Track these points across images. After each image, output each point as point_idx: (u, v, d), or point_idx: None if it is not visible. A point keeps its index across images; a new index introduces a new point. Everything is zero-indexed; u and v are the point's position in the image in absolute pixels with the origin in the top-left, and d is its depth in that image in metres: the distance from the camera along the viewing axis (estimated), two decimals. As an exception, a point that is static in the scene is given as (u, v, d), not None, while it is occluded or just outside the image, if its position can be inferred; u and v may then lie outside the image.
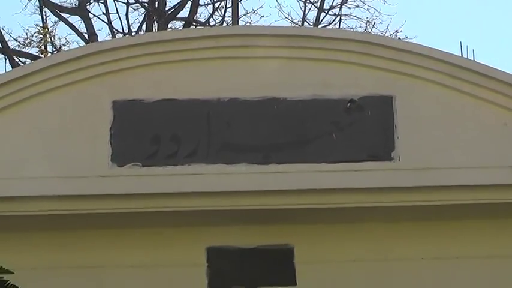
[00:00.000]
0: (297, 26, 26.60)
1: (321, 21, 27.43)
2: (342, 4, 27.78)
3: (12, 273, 8.57)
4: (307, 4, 27.83)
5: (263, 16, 28.39)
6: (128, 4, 26.96)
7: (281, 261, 10.55)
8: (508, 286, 10.58)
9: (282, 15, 28.52)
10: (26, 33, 27.38)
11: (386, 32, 27.41)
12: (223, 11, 27.21)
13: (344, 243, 10.59)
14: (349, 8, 28.02)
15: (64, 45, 26.69)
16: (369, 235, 10.59)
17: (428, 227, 10.57)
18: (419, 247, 10.59)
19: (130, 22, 26.82)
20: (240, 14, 25.35)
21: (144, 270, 10.47)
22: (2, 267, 8.48)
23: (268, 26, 19.06)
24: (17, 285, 8.59)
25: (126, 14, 26.89)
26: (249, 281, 10.50)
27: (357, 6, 27.89)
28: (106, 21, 26.65)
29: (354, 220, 10.47)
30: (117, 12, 27.17)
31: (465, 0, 38.80)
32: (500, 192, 10.28)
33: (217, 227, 10.40)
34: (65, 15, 26.87)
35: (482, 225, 10.62)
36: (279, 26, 21.03)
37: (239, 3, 22.81)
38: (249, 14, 27.30)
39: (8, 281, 8.53)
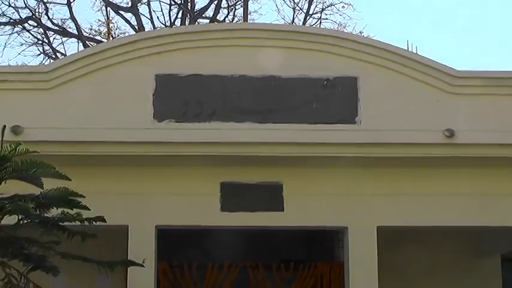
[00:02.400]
0: (288, 23, 26.49)
1: (307, 22, 27.37)
2: (322, 10, 27.78)
3: (84, 197, 8.72)
4: (297, 10, 27.83)
5: (262, 14, 28.41)
6: (170, 4, 26.89)
7: (273, 194, 10.67)
8: (433, 217, 10.80)
9: (277, 16, 28.45)
10: (91, 26, 27.56)
11: (353, 31, 27.30)
12: (234, 11, 27.31)
13: (318, 182, 10.69)
14: (326, 14, 28.01)
15: (121, 34, 26.58)
16: (336, 176, 10.67)
17: (380, 172, 10.66)
18: (372, 186, 10.70)
19: (167, 18, 26.86)
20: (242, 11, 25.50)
21: (174, 196, 10.58)
22: (76, 192, 8.65)
23: (269, 23, 18.89)
24: (87, 205, 8.78)
25: (169, 12, 26.84)
26: (250, 206, 10.60)
27: (333, 12, 27.92)
28: (149, 17, 26.68)
29: (326, 165, 10.55)
30: (162, 10, 27.08)
31: (413, 10, 38.64)
32: (433, 148, 10.43)
33: (229, 168, 10.52)
34: (122, 12, 26.85)
35: (419, 172, 10.71)
36: (277, 24, 21.12)
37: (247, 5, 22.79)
38: (253, 14, 27.20)
39: (80, 202, 8.71)
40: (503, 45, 39.24)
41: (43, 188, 8.44)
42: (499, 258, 14.12)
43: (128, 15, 26.56)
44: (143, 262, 9.57)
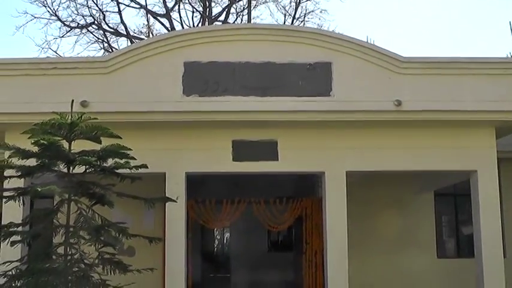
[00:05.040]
0: (280, 24, 26.30)
1: (294, 24, 27.08)
2: (305, 15, 27.56)
3: (131, 149, 8.56)
4: (287, 15, 27.55)
5: (262, 19, 28.14)
6: (192, 12, 26.73)
7: (270, 148, 10.54)
8: (385, 163, 10.63)
9: (271, 19, 28.04)
10: (138, 28, 27.44)
11: (327, 29, 27.04)
12: (242, 17, 27.12)
13: (302, 139, 10.55)
14: (309, 18, 27.69)
15: (157, 33, 26.37)
16: (316, 135, 10.54)
17: (348, 131, 10.53)
18: (342, 141, 10.56)
19: (191, 22, 26.63)
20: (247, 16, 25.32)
21: (198, 151, 10.46)
22: (126, 146, 8.49)
23: (266, 23, 18.75)
24: (134, 156, 8.58)
25: (192, 17, 26.77)
26: (253, 157, 10.48)
27: (314, 16, 27.65)
28: (179, 21, 26.48)
29: (308, 127, 10.44)
30: (186, 15, 27.12)
31: (375, 10, 38.20)
32: (385, 114, 10.28)
33: (238, 129, 10.40)
34: (158, 18, 26.73)
35: (375, 131, 10.56)
36: (272, 24, 20.94)
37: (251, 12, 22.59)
38: (255, 18, 26.99)
39: (129, 154, 8.54)
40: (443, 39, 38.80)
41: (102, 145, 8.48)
42: (433, 194, 14.11)
43: (164, 20, 26.57)
44: (176, 199, 9.50)
